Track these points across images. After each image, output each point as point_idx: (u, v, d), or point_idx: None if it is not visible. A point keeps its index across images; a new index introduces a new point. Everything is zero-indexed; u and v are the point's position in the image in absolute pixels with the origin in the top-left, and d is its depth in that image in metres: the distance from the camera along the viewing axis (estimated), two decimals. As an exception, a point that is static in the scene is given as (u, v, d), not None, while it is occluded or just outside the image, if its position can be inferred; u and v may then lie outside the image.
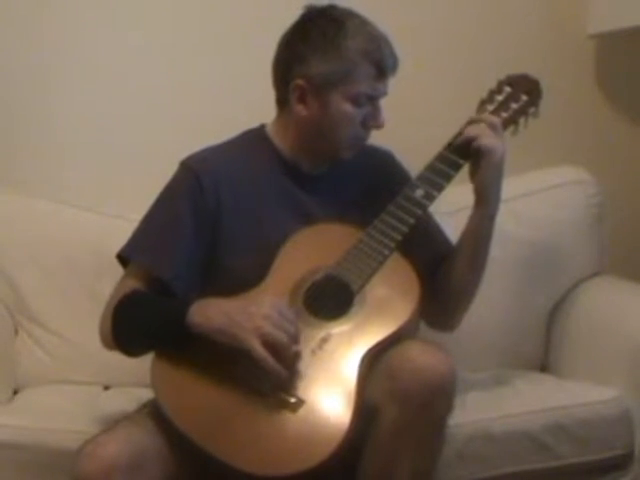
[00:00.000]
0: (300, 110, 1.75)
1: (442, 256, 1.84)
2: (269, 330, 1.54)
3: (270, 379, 1.55)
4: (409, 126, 2.24)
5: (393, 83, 1.78)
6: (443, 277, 1.82)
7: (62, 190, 2.27)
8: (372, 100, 1.76)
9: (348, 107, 1.74)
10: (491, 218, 1.78)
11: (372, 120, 1.77)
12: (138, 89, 2.35)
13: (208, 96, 2.35)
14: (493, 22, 2.45)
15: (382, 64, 1.74)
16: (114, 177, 2.34)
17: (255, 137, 1.85)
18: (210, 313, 1.59)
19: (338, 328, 1.63)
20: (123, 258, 1.78)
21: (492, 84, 1.89)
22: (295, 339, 1.57)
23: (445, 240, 1.90)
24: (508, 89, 1.87)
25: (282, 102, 1.81)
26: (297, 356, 1.58)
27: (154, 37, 2.35)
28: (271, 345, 1.54)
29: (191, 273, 1.74)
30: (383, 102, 1.79)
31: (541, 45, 2.45)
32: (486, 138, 1.73)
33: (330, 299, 1.66)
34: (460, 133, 1.78)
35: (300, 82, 1.74)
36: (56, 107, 2.33)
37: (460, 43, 2.43)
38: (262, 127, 1.86)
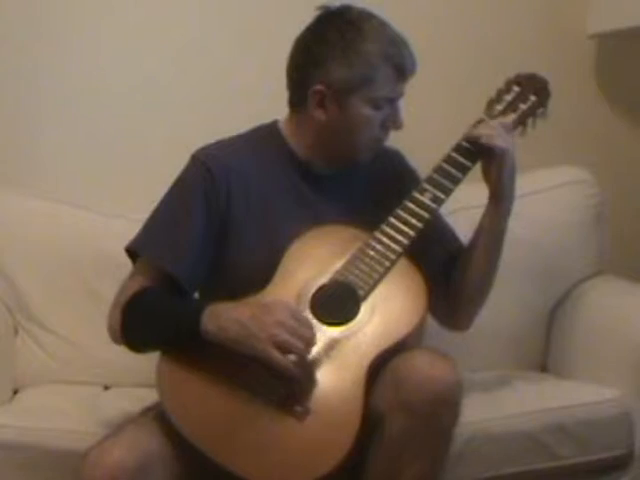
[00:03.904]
0: (319, 115, 1.73)
1: (454, 255, 1.83)
2: (284, 338, 1.53)
3: (279, 387, 1.55)
4: (413, 126, 2.25)
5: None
6: (457, 277, 1.80)
7: (61, 190, 2.27)
8: (391, 102, 1.74)
9: (368, 110, 1.72)
10: (506, 215, 1.78)
11: (391, 121, 1.75)
12: (138, 90, 2.34)
13: (208, 96, 2.35)
14: (493, 22, 2.45)
15: (402, 67, 1.71)
16: (114, 177, 2.34)
17: (268, 133, 1.83)
18: (224, 322, 1.56)
19: (344, 334, 1.61)
20: (131, 251, 1.77)
21: (493, 83, 1.88)
22: (311, 342, 1.56)
23: (456, 238, 1.89)
24: (516, 89, 1.84)
25: (297, 104, 1.78)
26: (315, 362, 1.58)
27: (155, 34, 2.35)
28: (287, 352, 1.53)
29: (200, 268, 1.73)
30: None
31: (541, 45, 2.45)
32: (498, 138, 1.72)
33: (337, 305, 1.63)
34: (468, 135, 1.76)
35: (319, 87, 1.71)
36: (56, 107, 2.33)
37: (460, 43, 2.44)
38: (275, 123, 1.84)
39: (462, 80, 2.39)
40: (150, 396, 1.68)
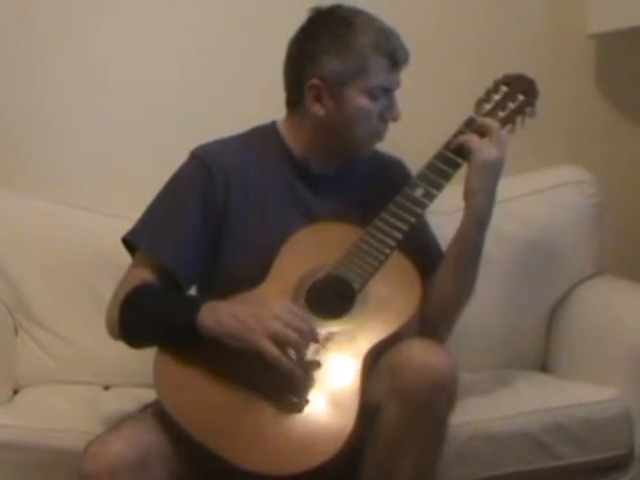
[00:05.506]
0: (317, 110, 1.76)
1: (432, 267, 1.81)
2: (279, 329, 1.53)
3: (276, 377, 1.55)
4: (408, 126, 2.25)
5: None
6: (427, 287, 1.78)
7: (62, 190, 2.27)
8: (387, 92, 1.77)
9: (364, 101, 1.74)
10: (479, 225, 1.75)
11: (388, 112, 1.78)
12: (137, 90, 2.34)
13: (207, 98, 2.35)
14: (493, 22, 2.45)
15: (395, 55, 1.75)
16: (113, 177, 2.34)
17: (266, 133, 1.85)
18: (220, 317, 1.57)
19: (340, 327, 1.63)
20: (128, 242, 1.78)
21: (491, 84, 1.90)
22: (310, 335, 1.57)
23: (438, 251, 1.87)
24: (505, 88, 1.87)
25: (294, 103, 1.80)
26: (312, 355, 1.58)
27: (155, 37, 2.35)
28: (282, 344, 1.54)
29: (196, 263, 1.74)
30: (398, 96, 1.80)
31: (541, 45, 2.45)
32: (475, 141, 1.73)
33: (332, 298, 1.65)
34: (459, 132, 1.79)
35: (315, 82, 1.74)
36: (56, 107, 2.33)
37: (460, 43, 2.43)
38: (273, 124, 1.86)
39: (461, 80, 2.39)
40: (150, 396, 1.68)
